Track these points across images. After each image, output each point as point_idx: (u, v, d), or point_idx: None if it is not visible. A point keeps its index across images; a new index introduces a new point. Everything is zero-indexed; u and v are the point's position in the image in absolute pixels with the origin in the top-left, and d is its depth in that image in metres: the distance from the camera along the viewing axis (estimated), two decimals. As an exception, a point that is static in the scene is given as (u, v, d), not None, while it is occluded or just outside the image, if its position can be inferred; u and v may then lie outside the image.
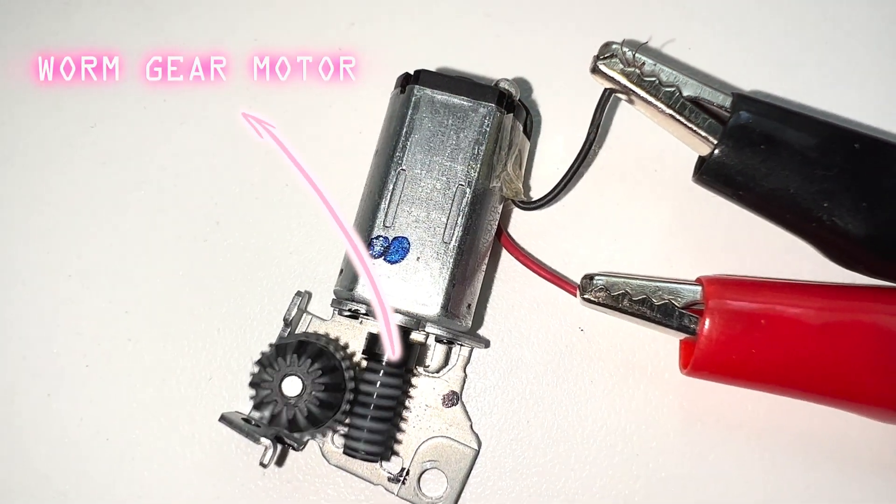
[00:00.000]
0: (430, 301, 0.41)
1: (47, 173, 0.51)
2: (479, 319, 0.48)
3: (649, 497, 0.46)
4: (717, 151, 0.42)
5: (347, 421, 0.43)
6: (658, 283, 0.43)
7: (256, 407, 0.41)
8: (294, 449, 0.45)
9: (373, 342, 0.44)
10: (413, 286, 0.41)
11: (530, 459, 0.46)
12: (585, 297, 0.43)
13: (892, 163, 0.42)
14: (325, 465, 0.46)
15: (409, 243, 0.42)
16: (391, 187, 0.42)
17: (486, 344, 0.47)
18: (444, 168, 0.43)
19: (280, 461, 0.46)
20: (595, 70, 0.43)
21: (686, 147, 0.44)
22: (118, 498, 0.47)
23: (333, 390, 0.41)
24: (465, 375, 0.47)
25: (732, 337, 0.42)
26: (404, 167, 0.43)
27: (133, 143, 0.51)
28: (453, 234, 0.42)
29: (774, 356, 0.42)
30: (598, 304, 0.43)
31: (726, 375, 0.43)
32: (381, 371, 0.43)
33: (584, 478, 0.46)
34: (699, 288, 0.43)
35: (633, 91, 0.43)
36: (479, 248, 0.43)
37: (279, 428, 0.41)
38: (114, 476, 0.47)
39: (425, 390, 0.46)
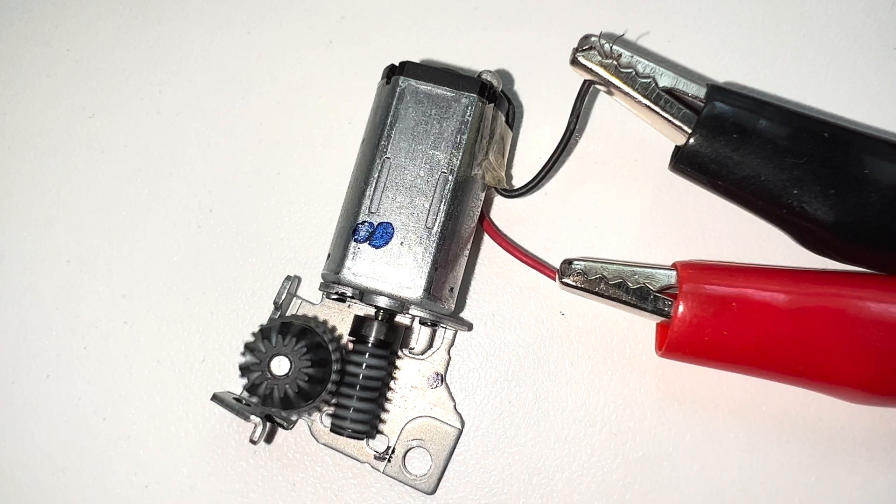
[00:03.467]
0: (413, 284, 0.43)
1: (47, 162, 0.52)
2: (462, 303, 0.49)
3: (627, 475, 0.47)
4: (691, 141, 0.44)
5: (335, 400, 0.45)
6: (634, 268, 0.45)
7: (247, 387, 0.42)
8: (284, 428, 0.46)
9: (359, 324, 0.45)
10: (397, 270, 0.43)
11: (512, 438, 0.48)
12: (564, 280, 0.45)
13: (860, 151, 0.43)
14: (313, 443, 0.47)
15: (393, 229, 0.43)
16: (376, 175, 0.44)
17: (470, 327, 0.49)
18: (427, 156, 0.44)
19: (270, 439, 0.48)
20: (574, 62, 0.45)
21: (664, 136, 0.46)
22: (115, 474, 0.48)
23: (320, 370, 0.42)
24: (450, 357, 0.48)
25: (705, 319, 0.43)
26: (389, 155, 0.44)
27: (130, 132, 0.53)
28: (436, 219, 0.43)
29: (746, 338, 0.43)
30: (576, 287, 0.45)
31: (700, 357, 0.44)
32: (367, 352, 0.45)
33: (564, 456, 0.47)
34: (674, 272, 0.45)
35: (611, 82, 0.44)
36: (461, 234, 0.45)
37: (268, 406, 0.42)
38: (110, 453, 0.48)
39: (411, 372, 0.48)
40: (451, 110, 0.44)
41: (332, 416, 0.45)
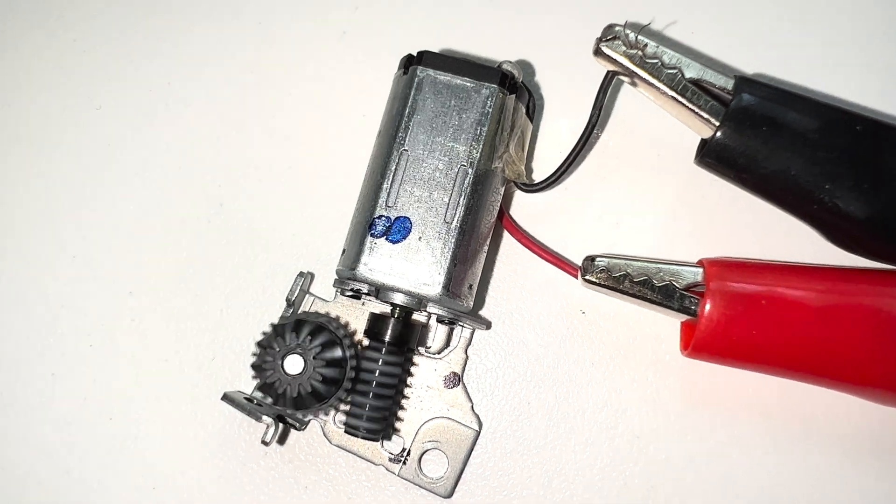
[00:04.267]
0: (431, 281, 0.41)
1: (52, 155, 0.51)
2: (480, 301, 0.48)
3: (650, 479, 0.46)
4: (718, 134, 0.42)
5: (349, 400, 0.44)
6: (659, 265, 0.43)
7: (259, 386, 0.41)
8: (296, 429, 0.45)
9: (374, 322, 0.44)
10: (415, 266, 0.42)
11: (531, 441, 0.47)
12: (587, 278, 0.43)
13: (894, 145, 0.42)
14: (326, 445, 0.46)
15: (411, 223, 0.42)
16: (393, 167, 0.43)
17: (488, 325, 0.48)
18: (446, 149, 0.43)
19: (282, 441, 0.47)
20: (598, 52, 0.43)
21: (689, 130, 0.44)
22: (121, 476, 0.47)
23: (334, 369, 0.41)
24: (467, 357, 0.47)
25: (733, 318, 0.42)
26: (406, 147, 0.43)
27: (138, 124, 0.52)
28: (455, 214, 0.42)
29: (775, 338, 0.42)
30: (600, 285, 0.43)
31: (727, 357, 0.43)
32: (382, 351, 0.43)
33: (585, 459, 0.46)
34: (700, 270, 0.43)
35: (636, 73, 0.43)
36: (480, 229, 0.44)
37: (281, 406, 0.41)
38: (117, 454, 0.47)
39: (427, 371, 0.46)
40: (470, 101, 0.43)
41: (346, 416, 0.44)
